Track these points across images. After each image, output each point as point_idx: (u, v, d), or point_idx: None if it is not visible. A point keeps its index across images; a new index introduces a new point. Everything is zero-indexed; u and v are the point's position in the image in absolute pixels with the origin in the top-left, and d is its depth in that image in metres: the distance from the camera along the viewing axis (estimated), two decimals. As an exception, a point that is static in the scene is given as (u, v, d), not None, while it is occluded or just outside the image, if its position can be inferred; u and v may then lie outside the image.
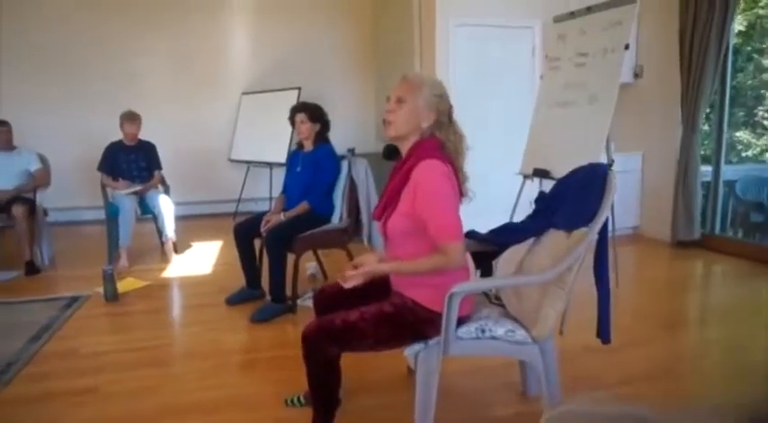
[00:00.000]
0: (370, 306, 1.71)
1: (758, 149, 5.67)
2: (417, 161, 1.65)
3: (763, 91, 5.60)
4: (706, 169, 4.74)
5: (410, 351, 1.72)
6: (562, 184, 1.97)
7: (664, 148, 4.91)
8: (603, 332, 1.87)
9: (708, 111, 4.59)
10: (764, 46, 5.52)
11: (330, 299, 1.95)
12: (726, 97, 4.57)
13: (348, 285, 1.67)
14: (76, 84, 6.10)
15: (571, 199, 1.84)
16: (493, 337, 1.72)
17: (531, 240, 2.02)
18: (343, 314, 1.68)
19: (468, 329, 1.72)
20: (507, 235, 2.05)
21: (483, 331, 1.72)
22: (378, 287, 1.88)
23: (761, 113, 5.52)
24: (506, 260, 2.15)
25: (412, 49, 5.52)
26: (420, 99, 1.70)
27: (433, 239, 1.61)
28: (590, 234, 1.62)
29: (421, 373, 1.74)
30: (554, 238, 1.84)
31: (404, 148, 1.77)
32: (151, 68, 6.33)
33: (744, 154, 5.67)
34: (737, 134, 5.56)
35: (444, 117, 1.74)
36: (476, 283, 1.75)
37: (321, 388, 1.74)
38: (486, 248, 2.11)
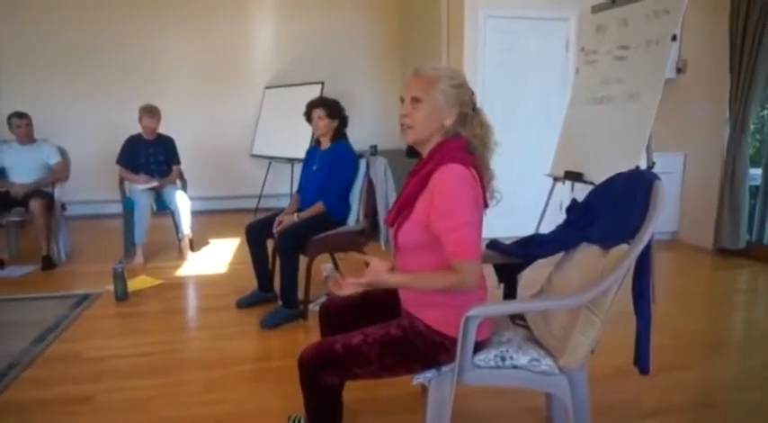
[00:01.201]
0: (375, 327, 1.53)
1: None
2: (438, 165, 1.44)
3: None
4: (754, 172, 4.40)
5: (420, 378, 1.53)
6: (599, 192, 1.75)
7: (708, 148, 4.58)
8: (642, 361, 1.64)
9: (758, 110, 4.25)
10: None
11: (336, 314, 1.78)
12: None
13: (343, 293, 1.45)
14: (98, 77, 6.08)
15: (609, 210, 1.62)
16: (514, 367, 1.52)
17: (560, 253, 1.81)
18: (344, 337, 1.50)
19: (487, 357, 1.52)
20: (534, 247, 1.83)
21: (503, 359, 1.52)
22: (388, 304, 1.71)
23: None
24: (532, 272, 1.94)
25: (439, 43, 5.30)
26: (438, 95, 1.49)
27: (446, 256, 1.41)
28: (632, 253, 1.39)
29: (433, 401, 1.55)
30: (588, 255, 1.62)
31: (425, 151, 1.56)
32: (173, 62, 6.27)
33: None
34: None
35: (468, 108, 1.52)
36: (496, 305, 1.55)
37: (319, 420, 1.57)
38: (511, 261, 1.91)
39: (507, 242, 1.92)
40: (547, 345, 1.60)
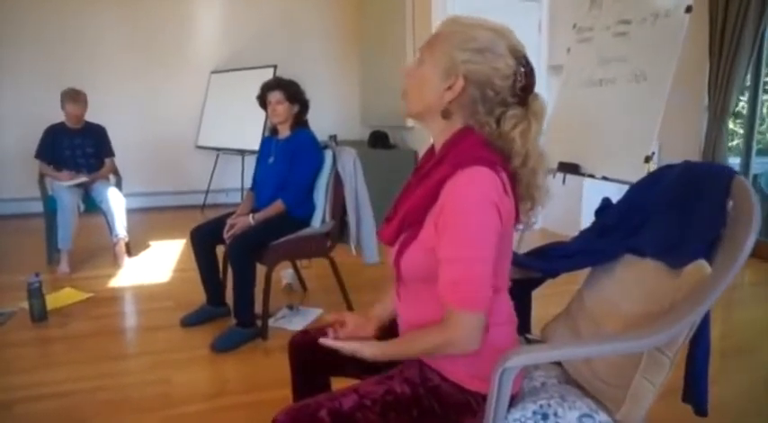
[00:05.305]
0: (372, 382, 1.11)
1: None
2: (454, 168, 1.01)
3: None
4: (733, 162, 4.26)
5: (435, 449, 1.13)
6: (643, 189, 1.39)
7: (685, 137, 4.39)
8: (698, 399, 1.30)
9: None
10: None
11: (312, 349, 1.35)
12: (760, 83, 4.06)
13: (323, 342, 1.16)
14: (18, 61, 5.31)
15: (665, 214, 1.26)
16: (559, 426, 1.14)
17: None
18: (329, 398, 1.07)
19: (524, 415, 1.13)
20: (561, 260, 1.46)
21: (545, 417, 1.14)
22: (380, 336, 1.29)
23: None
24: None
25: (403, 21, 4.88)
26: (441, 58, 1.06)
27: (439, 296, 1.01)
28: (725, 276, 1.03)
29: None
30: (641, 271, 1.26)
31: (435, 140, 1.14)
32: (105, 43, 5.55)
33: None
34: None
35: (487, 88, 1.05)
36: (543, 351, 1.15)
37: None
38: (526, 276, 1.53)
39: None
40: (592, 390, 1.23)
